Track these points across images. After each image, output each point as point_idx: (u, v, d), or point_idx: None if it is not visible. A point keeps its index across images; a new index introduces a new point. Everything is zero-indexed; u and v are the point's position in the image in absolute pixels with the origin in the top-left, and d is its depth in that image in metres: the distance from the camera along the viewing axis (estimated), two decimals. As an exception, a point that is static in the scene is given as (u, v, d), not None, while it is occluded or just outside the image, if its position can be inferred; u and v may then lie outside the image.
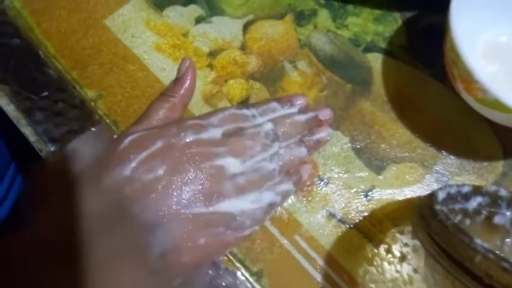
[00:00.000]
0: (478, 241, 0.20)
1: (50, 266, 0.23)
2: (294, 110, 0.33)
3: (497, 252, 0.32)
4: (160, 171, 0.26)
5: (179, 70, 0.33)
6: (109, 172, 0.25)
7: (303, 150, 0.32)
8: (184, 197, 0.26)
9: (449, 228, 0.22)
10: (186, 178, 0.27)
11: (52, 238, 0.24)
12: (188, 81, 0.32)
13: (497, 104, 0.29)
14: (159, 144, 0.28)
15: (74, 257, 0.23)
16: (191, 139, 0.28)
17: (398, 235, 0.33)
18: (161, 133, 0.29)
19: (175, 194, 0.26)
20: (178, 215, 0.26)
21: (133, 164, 0.26)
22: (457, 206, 0.30)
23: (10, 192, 0.45)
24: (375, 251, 0.32)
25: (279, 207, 0.33)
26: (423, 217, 0.24)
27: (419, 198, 0.33)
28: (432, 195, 0.26)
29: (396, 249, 0.33)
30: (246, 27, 0.39)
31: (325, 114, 0.33)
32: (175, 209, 0.26)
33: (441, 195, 0.27)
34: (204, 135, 0.28)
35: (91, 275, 0.23)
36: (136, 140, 0.28)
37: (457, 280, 0.21)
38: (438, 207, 0.24)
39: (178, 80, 0.32)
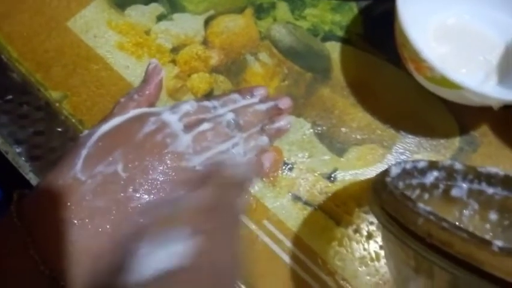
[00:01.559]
0: (421, 205, 0.21)
1: None
2: (255, 100, 0.34)
3: (456, 223, 0.34)
4: (120, 164, 0.27)
5: (146, 71, 0.34)
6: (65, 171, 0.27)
7: (264, 139, 0.33)
8: (143, 188, 0.27)
9: (397, 197, 0.23)
10: (146, 169, 0.28)
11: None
12: (154, 81, 0.33)
13: (445, 81, 0.30)
14: (121, 140, 0.28)
15: None
16: (152, 131, 0.29)
17: (363, 214, 0.34)
18: (123, 129, 0.29)
19: (134, 187, 0.27)
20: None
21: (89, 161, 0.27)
22: (414, 181, 0.32)
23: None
24: (343, 231, 0.33)
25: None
26: (376, 190, 0.25)
27: (375, 175, 0.34)
28: (385, 171, 0.28)
29: (362, 229, 0.34)
30: (207, 22, 0.40)
31: (284, 102, 0.34)
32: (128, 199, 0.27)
33: (394, 170, 0.28)
34: (167, 130, 0.29)
35: None
36: (100, 139, 0.28)
37: (405, 244, 0.22)
38: (388, 179, 0.25)
39: (144, 81, 0.34)
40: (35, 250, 0.25)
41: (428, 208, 0.21)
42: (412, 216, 0.21)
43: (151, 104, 0.33)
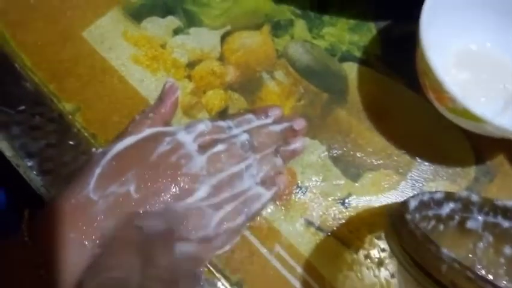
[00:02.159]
0: (445, 250, 0.21)
1: None
2: (269, 120, 0.34)
3: (470, 255, 0.33)
4: (133, 185, 0.27)
5: (162, 90, 0.34)
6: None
7: (278, 161, 0.33)
8: (154, 209, 0.27)
9: (418, 237, 0.22)
10: (158, 191, 0.27)
11: None
12: (170, 100, 0.33)
13: (467, 113, 0.30)
14: (135, 160, 0.28)
15: None
16: (166, 152, 0.28)
17: (375, 240, 0.34)
18: (137, 149, 0.29)
19: (147, 206, 0.27)
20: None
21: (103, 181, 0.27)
22: (430, 212, 0.31)
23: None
24: (354, 256, 0.33)
25: (258, 217, 0.33)
26: (395, 226, 0.25)
27: (392, 205, 0.34)
28: (404, 204, 0.27)
29: (374, 255, 0.34)
30: (223, 38, 0.39)
31: (299, 124, 0.34)
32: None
33: (413, 203, 0.28)
34: (181, 150, 0.29)
35: None
36: (114, 158, 0.28)
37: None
38: (409, 216, 0.25)
39: (160, 99, 0.34)
40: (46, 270, 0.25)
41: (452, 255, 0.21)
42: (435, 262, 0.21)
43: (166, 123, 0.33)
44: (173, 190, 0.28)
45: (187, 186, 0.28)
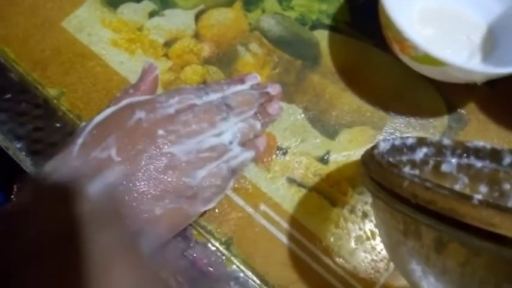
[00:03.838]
0: (406, 169, 0.22)
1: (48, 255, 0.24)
2: (246, 86, 0.35)
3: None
4: (113, 149, 0.28)
5: (142, 69, 0.35)
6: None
7: (257, 124, 0.34)
8: (139, 169, 0.28)
9: (383, 165, 0.24)
10: (139, 152, 0.28)
11: (47, 230, 0.25)
12: (149, 78, 0.34)
13: (429, 58, 0.31)
14: (113, 126, 0.29)
15: (68, 249, 0.23)
16: (143, 117, 0.30)
17: (357, 195, 0.35)
18: (115, 117, 0.30)
19: (128, 167, 0.28)
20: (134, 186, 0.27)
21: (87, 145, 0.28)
22: (404, 158, 0.33)
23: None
24: (339, 212, 0.34)
25: (242, 179, 0.35)
26: (365, 163, 0.26)
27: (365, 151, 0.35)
28: (374, 146, 0.29)
29: (358, 209, 0.35)
30: (197, 16, 0.41)
31: (275, 88, 0.35)
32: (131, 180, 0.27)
33: (383, 145, 0.29)
34: (158, 113, 0.30)
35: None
36: (94, 128, 0.30)
37: (393, 208, 0.23)
38: (376, 151, 0.26)
39: (140, 77, 0.35)
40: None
41: (412, 172, 0.22)
42: (398, 181, 0.22)
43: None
44: (153, 152, 0.29)
45: (166, 147, 0.29)
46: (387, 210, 0.24)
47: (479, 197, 0.19)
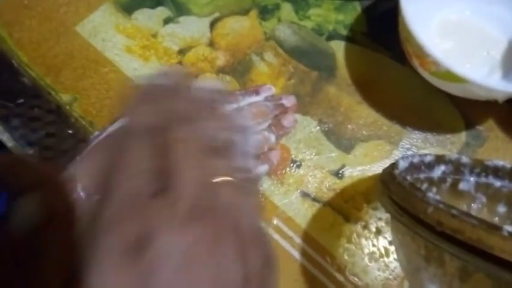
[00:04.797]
0: (430, 194, 0.22)
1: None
2: (260, 98, 0.34)
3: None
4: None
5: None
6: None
7: (271, 137, 0.33)
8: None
9: (406, 187, 0.23)
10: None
11: None
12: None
13: (449, 75, 0.31)
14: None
15: None
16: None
17: (371, 211, 0.35)
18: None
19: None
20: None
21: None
22: (422, 175, 0.32)
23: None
24: (352, 228, 0.34)
25: (255, 192, 0.34)
26: (385, 183, 0.26)
27: (384, 169, 0.34)
28: (393, 164, 0.28)
29: (371, 225, 0.34)
30: (212, 24, 0.40)
31: (289, 100, 0.35)
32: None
33: (402, 164, 0.28)
34: None
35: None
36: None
37: (415, 233, 0.22)
38: (397, 171, 0.26)
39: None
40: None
41: (437, 197, 0.21)
42: (422, 206, 0.21)
43: None
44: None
45: None
46: (408, 233, 0.23)
47: (510, 228, 0.18)
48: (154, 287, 0.15)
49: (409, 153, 0.36)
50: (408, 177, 0.30)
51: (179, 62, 0.39)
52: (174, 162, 0.17)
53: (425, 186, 0.32)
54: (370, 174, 0.35)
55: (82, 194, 0.26)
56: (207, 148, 0.19)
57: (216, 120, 0.21)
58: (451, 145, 0.36)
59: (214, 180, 0.18)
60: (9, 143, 0.34)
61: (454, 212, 0.20)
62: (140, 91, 0.22)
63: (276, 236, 0.33)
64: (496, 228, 0.18)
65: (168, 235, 0.16)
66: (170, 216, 0.16)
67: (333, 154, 0.36)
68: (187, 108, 0.21)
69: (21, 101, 0.36)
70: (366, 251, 0.34)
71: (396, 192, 0.24)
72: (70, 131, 0.36)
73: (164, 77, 0.23)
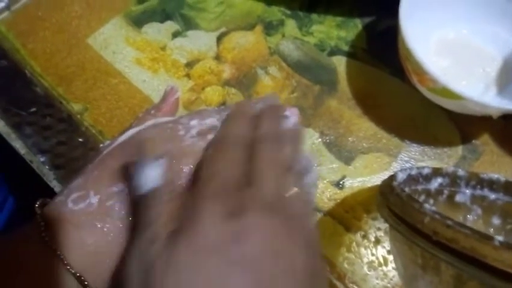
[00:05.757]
0: (427, 205, 0.23)
1: None
2: None
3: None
4: None
5: (165, 91, 0.36)
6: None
7: None
8: None
9: (404, 199, 0.24)
10: None
11: None
12: (171, 100, 0.35)
13: (446, 92, 0.32)
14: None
15: None
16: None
17: (371, 221, 0.36)
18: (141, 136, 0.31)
19: None
20: None
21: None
22: (420, 187, 0.33)
23: (1, 213, 0.47)
24: (352, 237, 0.35)
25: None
26: (383, 194, 0.27)
27: (383, 180, 0.36)
28: (392, 176, 0.29)
29: (370, 234, 0.35)
30: (219, 38, 0.42)
31: (292, 112, 0.36)
32: None
33: (401, 176, 0.30)
34: (181, 133, 0.31)
35: None
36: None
37: (412, 243, 0.23)
38: (395, 183, 0.27)
39: (162, 99, 0.36)
40: (61, 253, 0.26)
41: (434, 208, 0.23)
42: (418, 216, 0.23)
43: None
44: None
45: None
46: (406, 243, 0.24)
47: (501, 238, 0.19)
48: (244, 246, 0.19)
49: (407, 165, 0.37)
50: (407, 189, 0.31)
51: (187, 75, 0.40)
52: (259, 170, 0.22)
53: (422, 197, 0.33)
54: (370, 185, 0.36)
55: (93, 201, 0.27)
56: (285, 167, 0.23)
57: (294, 147, 0.25)
58: (447, 158, 0.38)
59: (286, 195, 0.22)
60: (22, 150, 0.35)
61: (448, 222, 0.21)
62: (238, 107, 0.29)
63: (279, 244, 0.34)
64: (488, 238, 0.20)
65: (258, 214, 0.20)
66: (259, 201, 0.21)
67: (334, 165, 0.37)
68: (274, 128, 0.26)
69: (33, 109, 0.38)
70: (365, 259, 0.35)
71: (394, 203, 0.25)
72: (81, 140, 0.37)
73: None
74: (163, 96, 0.36)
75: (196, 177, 0.24)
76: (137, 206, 0.24)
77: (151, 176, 0.24)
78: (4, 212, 0.47)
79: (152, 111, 0.35)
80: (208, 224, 0.20)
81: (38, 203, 0.29)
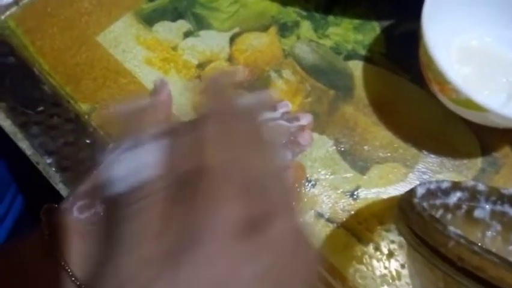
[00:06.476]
0: (451, 228, 0.22)
1: None
2: (277, 115, 0.35)
3: (479, 244, 0.34)
4: None
5: (154, 85, 0.33)
6: None
7: (287, 154, 0.33)
8: None
9: (425, 218, 0.23)
10: None
11: None
12: (162, 93, 0.33)
13: (469, 103, 0.31)
14: None
15: None
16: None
17: (384, 233, 0.35)
18: None
19: None
20: None
21: None
22: (438, 201, 0.32)
23: (10, 212, 0.46)
24: (364, 249, 0.34)
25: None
26: (403, 210, 0.26)
27: (401, 195, 0.34)
28: (411, 191, 0.28)
29: (384, 247, 0.34)
30: (232, 39, 0.41)
31: (306, 118, 0.35)
32: None
33: (420, 191, 0.28)
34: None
35: None
36: None
37: (433, 266, 0.22)
38: (416, 200, 0.26)
39: (153, 92, 0.33)
40: (66, 262, 0.26)
41: (458, 231, 0.21)
42: (442, 239, 0.21)
43: (167, 115, 0.33)
44: None
45: None
46: (426, 265, 0.23)
47: (533, 270, 0.18)
48: (264, 263, 0.17)
49: (425, 177, 0.36)
50: (425, 204, 0.30)
51: (198, 76, 0.39)
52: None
53: (440, 212, 0.32)
54: (385, 196, 0.35)
55: (99, 210, 0.26)
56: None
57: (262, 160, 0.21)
58: (466, 170, 0.36)
59: None
60: (29, 151, 0.35)
61: (475, 248, 0.20)
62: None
63: (289, 256, 0.33)
64: (519, 269, 0.18)
65: (285, 222, 0.18)
66: (284, 206, 0.19)
67: (348, 175, 0.36)
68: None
69: (41, 108, 0.37)
70: (378, 273, 0.34)
71: (415, 222, 0.24)
72: (88, 141, 0.36)
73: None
74: (153, 90, 0.34)
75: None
76: (116, 207, 0.19)
77: (144, 162, 0.18)
78: (13, 211, 0.47)
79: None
80: (218, 242, 0.17)
81: (43, 209, 0.28)
